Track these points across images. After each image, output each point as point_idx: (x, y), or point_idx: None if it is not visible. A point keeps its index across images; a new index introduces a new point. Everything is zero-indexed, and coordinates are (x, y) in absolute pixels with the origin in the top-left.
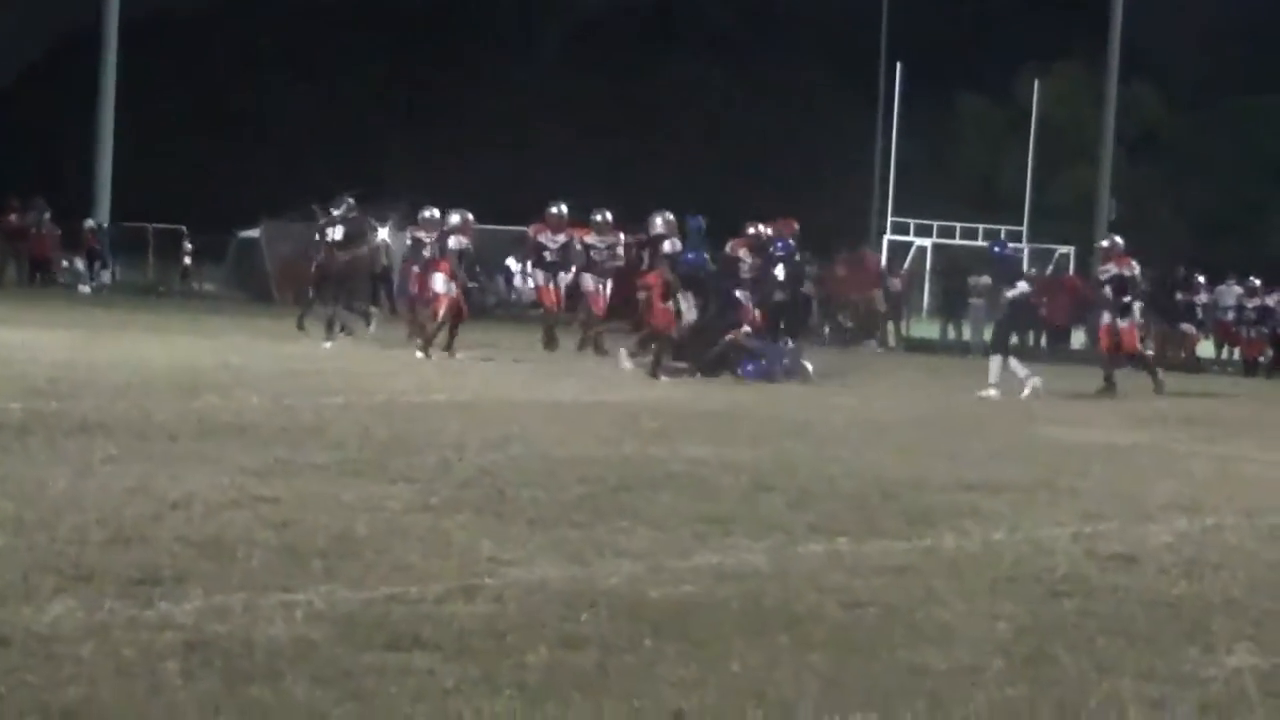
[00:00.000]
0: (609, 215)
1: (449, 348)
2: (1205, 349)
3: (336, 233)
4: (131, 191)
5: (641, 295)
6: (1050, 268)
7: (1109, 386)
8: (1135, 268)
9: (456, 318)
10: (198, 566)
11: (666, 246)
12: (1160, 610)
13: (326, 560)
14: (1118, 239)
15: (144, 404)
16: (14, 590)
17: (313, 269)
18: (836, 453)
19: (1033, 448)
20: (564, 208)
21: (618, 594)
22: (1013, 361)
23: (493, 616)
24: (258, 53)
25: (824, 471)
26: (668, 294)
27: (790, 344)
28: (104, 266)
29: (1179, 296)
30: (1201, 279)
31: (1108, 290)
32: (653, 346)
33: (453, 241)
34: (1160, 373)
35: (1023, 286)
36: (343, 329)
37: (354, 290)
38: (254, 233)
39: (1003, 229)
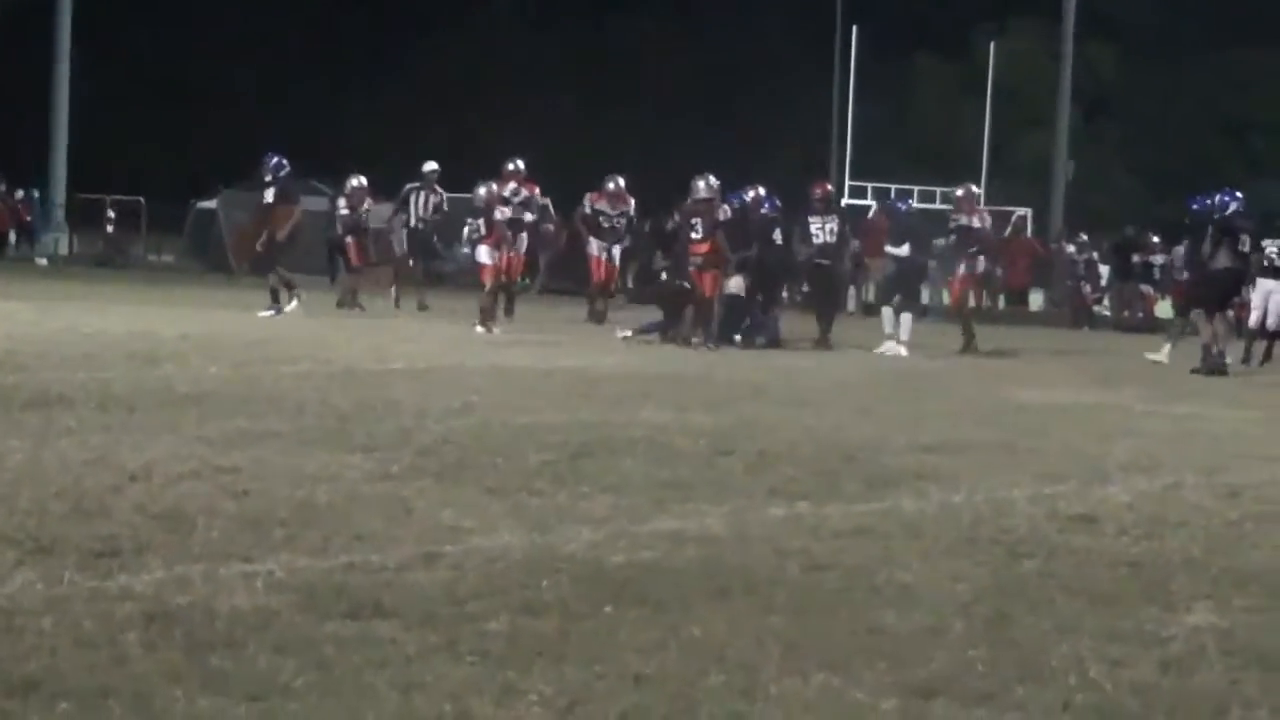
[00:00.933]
0: (621, 182)
1: (490, 320)
2: (1164, 309)
3: (268, 194)
4: (89, 162)
5: (695, 263)
6: (1008, 229)
7: (968, 343)
8: (987, 220)
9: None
10: (158, 537)
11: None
12: (1120, 570)
13: (287, 529)
14: (974, 188)
15: (102, 375)
16: None
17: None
18: (796, 416)
19: (992, 409)
20: (621, 181)
21: (578, 560)
22: (887, 314)
23: (453, 584)
24: (205, 20)
25: (783, 435)
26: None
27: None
28: (35, 240)
29: (1134, 258)
30: (1156, 239)
31: (953, 239)
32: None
33: (499, 212)
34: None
35: (905, 249)
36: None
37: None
38: (211, 204)
39: (962, 190)
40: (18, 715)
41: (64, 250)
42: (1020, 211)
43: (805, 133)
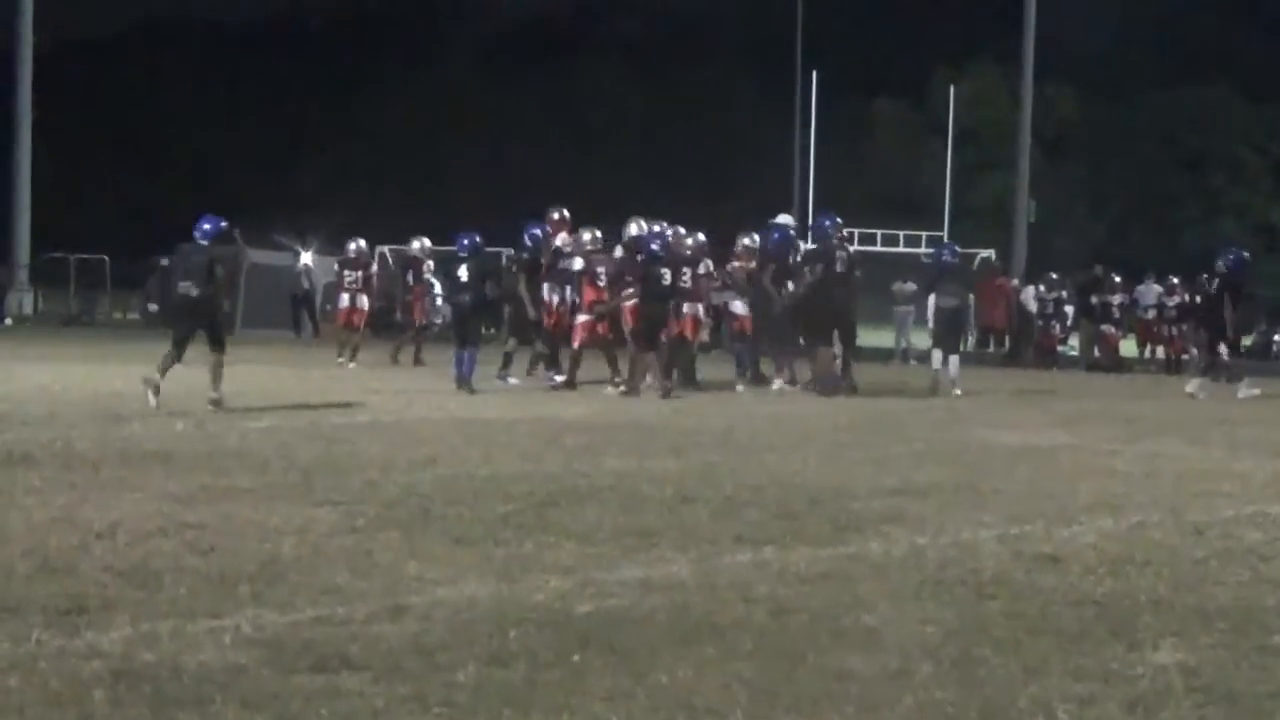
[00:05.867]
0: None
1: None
2: (1129, 348)
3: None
4: (51, 222)
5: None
6: (974, 269)
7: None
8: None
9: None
10: (125, 594)
11: (702, 268)
12: (1086, 609)
13: (254, 585)
14: (756, 237)
15: (67, 434)
16: None
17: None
18: (761, 461)
19: (956, 450)
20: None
21: (545, 609)
22: (937, 356)
23: (420, 635)
24: (166, 77)
25: (748, 480)
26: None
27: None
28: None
29: (1093, 299)
30: (1118, 279)
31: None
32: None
33: (576, 263)
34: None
35: (953, 298)
36: None
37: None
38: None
39: (924, 234)
40: None
41: (29, 310)
42: (984, 253)
43: (768, 176)
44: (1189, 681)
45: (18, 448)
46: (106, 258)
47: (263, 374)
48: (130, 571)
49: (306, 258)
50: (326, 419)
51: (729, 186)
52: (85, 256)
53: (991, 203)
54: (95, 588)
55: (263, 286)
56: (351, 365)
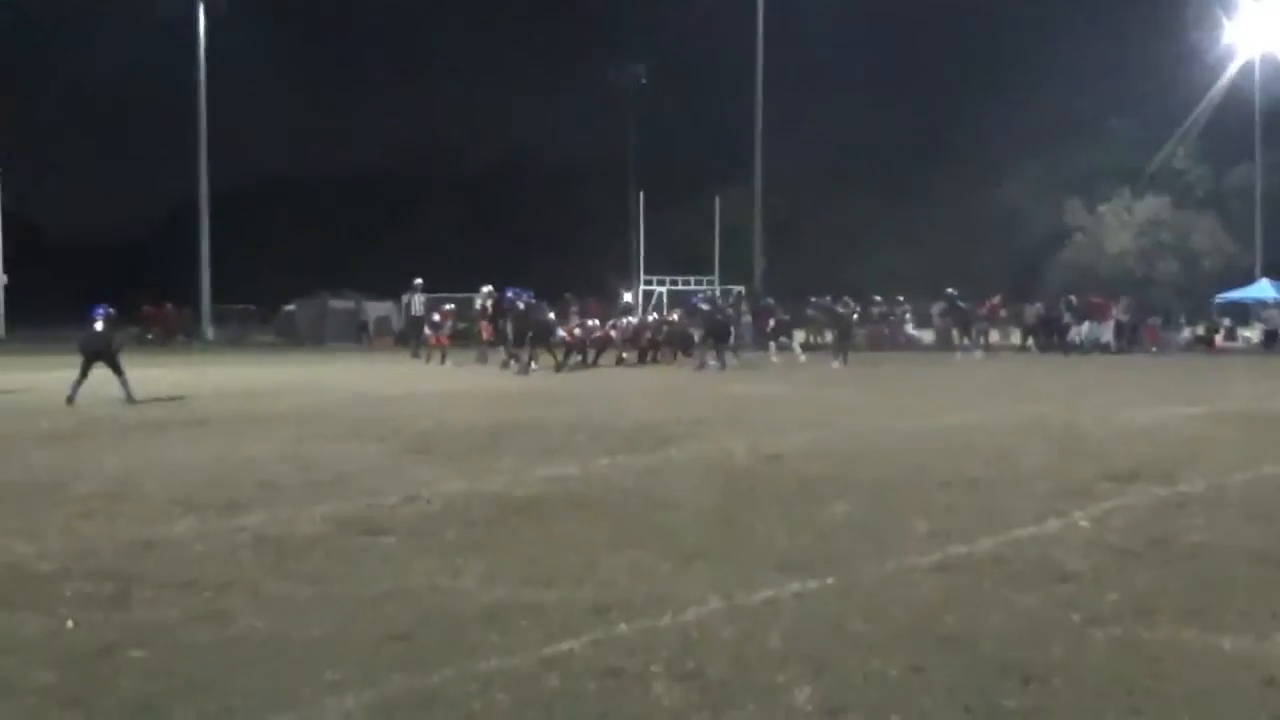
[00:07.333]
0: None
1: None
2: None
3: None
4: (221, 285)
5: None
6: (732, 298)
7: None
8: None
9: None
10: (260, 496)
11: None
12: (794, 484)
13: (332, 487)
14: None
15: (229, 405)
16: None
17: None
18: (616, 408)
19: (721, 400)
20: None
21: (495, 495)
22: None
23: (424, 512)
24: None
25: (609, 420)
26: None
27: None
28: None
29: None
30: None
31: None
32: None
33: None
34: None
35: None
36: None
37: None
38: (291, 307)
39: (705, 279)
40: None
41: (210, 336)
42: (737, 288)
43: (609, 249)
44: (852, 519)
45: (200, 411)
46: (253, 305)
47: (341, 370)
48: (264, 483)
49: (419, 296)
50: (384, 392)
51: (589, 262)
52: (243, 305)
53: (743, 260)
54: (242, 492)
55: (339, 319)
56: (444, 365)
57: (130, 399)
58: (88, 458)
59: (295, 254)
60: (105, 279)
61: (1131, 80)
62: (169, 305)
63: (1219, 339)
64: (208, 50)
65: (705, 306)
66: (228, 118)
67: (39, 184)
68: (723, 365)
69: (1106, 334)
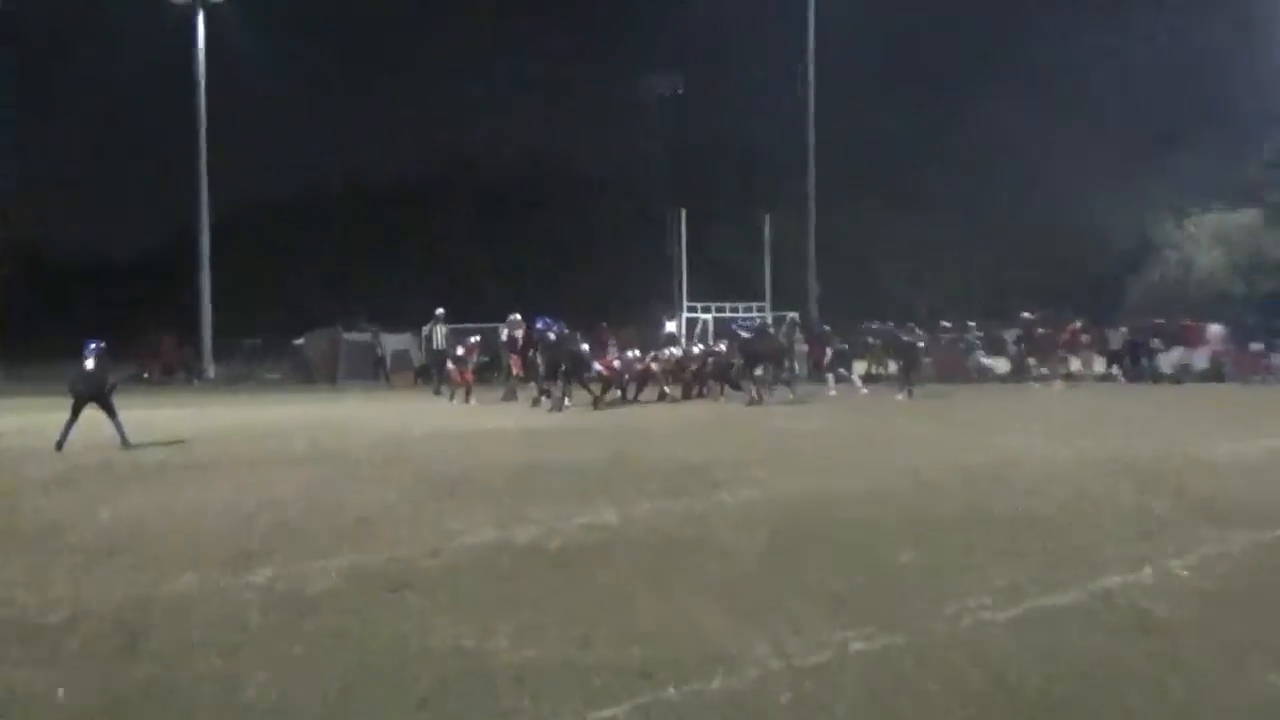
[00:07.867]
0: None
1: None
2: None
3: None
4: (224, 319)
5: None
6: (785, 325)
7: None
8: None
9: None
10: (274, 544)
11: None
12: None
13: (352, 537)
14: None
15: (238, 447)
16: None
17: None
18: (658, 447)
19: (774, 437)
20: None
21: (526, 546)
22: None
23: (449, 566)
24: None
25: (651, 460)
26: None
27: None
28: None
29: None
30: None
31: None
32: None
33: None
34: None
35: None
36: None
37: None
38: (300, 340)
39: (754, 304)
40: None
41: (211, 375)
42: (791, 315)
43: (654, 280)
44: (921, 567)
45: (202, 455)
46: (260, 340)
47: (357, 409)
48: (276, 532)
49: (441, 327)
50: (405, 431)
51: (628, 287)
52: (248, 340)
53: (795, 285)
54: (251, 542)
55: (354, 354)
56: (469, 403)
57: (126, 443)
58: (81, 507)
59: (304, 278)
60: (100, 307)
61: (1222, 87)
62: (166, 339)
63: None
64: (209, 66)
65: (745, 334)
66: (230, 137)
67: (39, 209)
68: (759, 398)
69: (1201, 361)
